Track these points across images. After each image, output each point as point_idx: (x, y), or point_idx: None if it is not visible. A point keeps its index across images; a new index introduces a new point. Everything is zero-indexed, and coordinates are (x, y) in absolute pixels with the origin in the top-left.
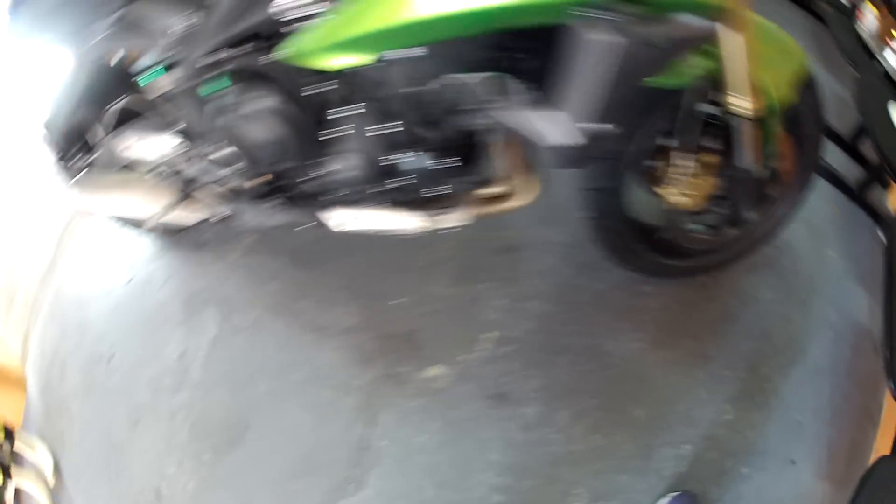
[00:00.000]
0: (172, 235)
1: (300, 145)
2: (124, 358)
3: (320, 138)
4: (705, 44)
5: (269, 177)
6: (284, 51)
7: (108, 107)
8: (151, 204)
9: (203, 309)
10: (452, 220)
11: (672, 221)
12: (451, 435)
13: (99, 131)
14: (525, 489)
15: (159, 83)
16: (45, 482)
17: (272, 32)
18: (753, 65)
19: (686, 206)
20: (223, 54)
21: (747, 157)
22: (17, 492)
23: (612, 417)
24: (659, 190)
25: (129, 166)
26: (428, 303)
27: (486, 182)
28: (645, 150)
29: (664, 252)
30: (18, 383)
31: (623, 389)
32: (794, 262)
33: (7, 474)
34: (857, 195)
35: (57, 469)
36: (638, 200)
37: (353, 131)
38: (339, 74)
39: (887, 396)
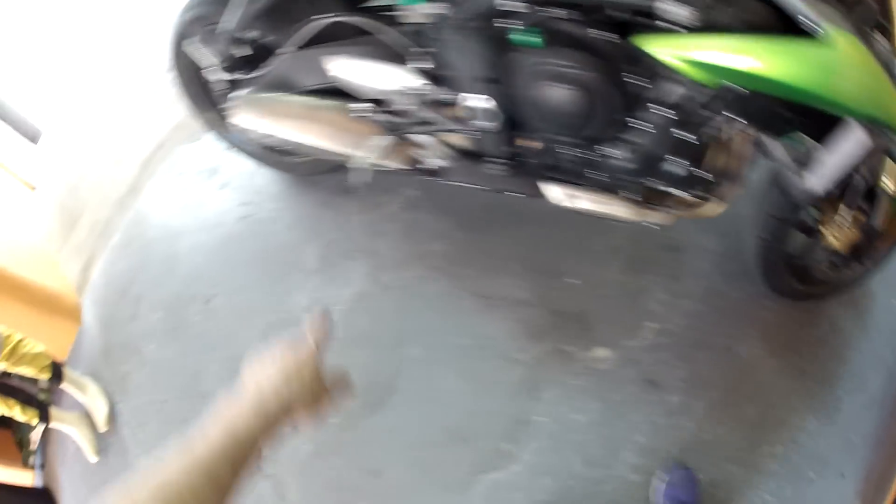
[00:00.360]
0: (311, 175)
1: (590, 123)
2: (229, 301)
3: (611, 123)
4: None
5: (538, 144)
6: (648, 40)
7: (308, 20)
8: (335, 140)
9: (344, 261)
10: (657, 217)
11: (818, 255)
12: (606, 416)
13: (284, 45)
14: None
15: (425, 8)
16: (92, 429)
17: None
18: None
19: (835, 246)
20: (551, 10)
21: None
22: (47, 433)
23: (732, 412)
24: (823, 229)
25: (309, 92)
26: (601, 286)
27: (707, 189)
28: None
29: (797, 277)
30: (71, 314)
31: (744, 389)
32: (868, 303)
33: (44, 416)
34: None
35: (112, 415)
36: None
37: (648, 129)
38: (674, 79)
39: None
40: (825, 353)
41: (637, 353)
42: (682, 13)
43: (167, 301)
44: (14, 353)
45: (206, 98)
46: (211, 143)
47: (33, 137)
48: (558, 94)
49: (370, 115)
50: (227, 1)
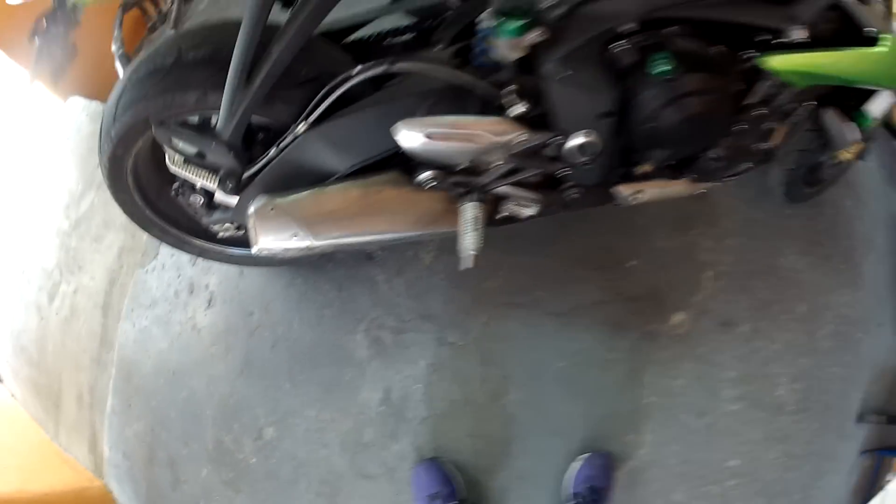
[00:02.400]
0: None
1: (703, 139)
2: (285, 426)
3: (720, 133)
4: None
5: (649, 167)
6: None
7: (346, 75)
8: (408, 224)
9: (398, 335)
10: (708, 185)
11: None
12: (699, 369)
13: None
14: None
15: (520, 42)
16: None
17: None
18: None
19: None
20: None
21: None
22: None
23: (790, 316)
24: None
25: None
26: (657, 258)
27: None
28: None
29: (809, 184)
30: None
31: (792, 293)
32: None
33: None
34: None
35: None
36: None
37: (746, 127)
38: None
39: None
40: (838, 233)
41: (705, 303)
42: (803, 34)
43: (208, 452)
44: None
45: (162, 214)
46: (171, 257)
47: None
48: (680, 119)
49: (442, 180)
50: (184, 84)
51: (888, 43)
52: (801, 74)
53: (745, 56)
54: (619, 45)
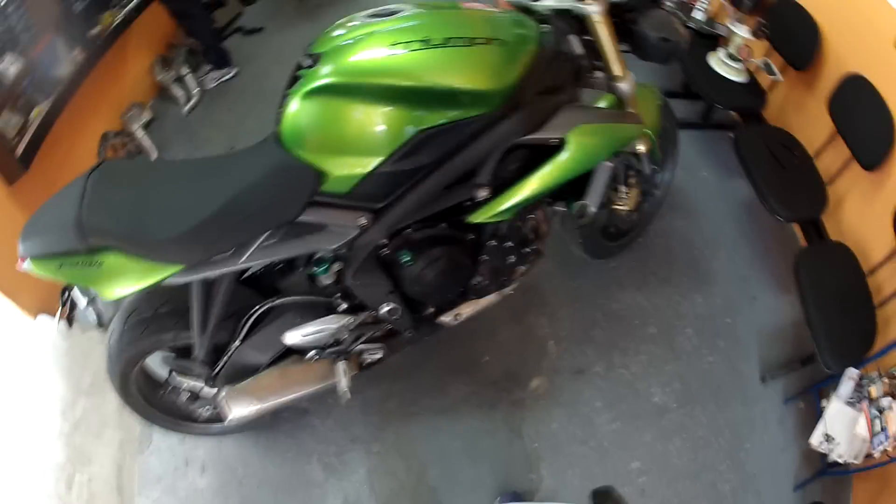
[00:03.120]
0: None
1: (462, 277)
2: None
3: (473, 267)
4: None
5: (432, 309)
6: (480, 215)
7: (250, 313)
8: (311, 385)
9: (340, 456)
10: (512, 287)
11: (618, 220)
12: (568, 411)
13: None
14: (627, 409)
15: (332, 270)
16: None
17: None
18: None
19: (627, 209)
20: (411, 231)
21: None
22: None
23: (650, 341)
24: (615, 207)
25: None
26: (504, 347)
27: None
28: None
29: (610, 238)
30: None
31: (645, 321)
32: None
33: None
34: (705, 123)
35: None
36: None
37: (494, 253)
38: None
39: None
40: (674, 255)
41: (554, 364)
42: (483, 193)
43: None
44: None
45: (161, 409)
46: (164, 441)
47: None
48: (432, 279)
49: (320, 354)
50: (162, 329)
51: (572, 146)
52: (504, 212)
53: (460, 221)
54: (382, 251)
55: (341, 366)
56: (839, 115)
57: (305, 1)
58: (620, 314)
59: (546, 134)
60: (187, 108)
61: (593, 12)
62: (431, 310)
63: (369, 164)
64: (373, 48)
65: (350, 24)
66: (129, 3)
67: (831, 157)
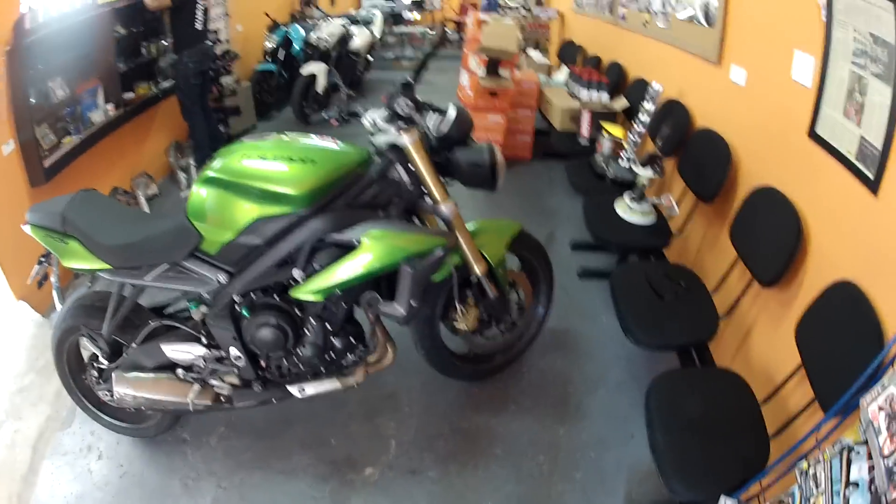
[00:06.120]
0: (157, 435)
1: (288, 343)
2: None
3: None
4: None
5: (263, 363)
6: (298, 291)
7: (143, 328)
8: (173, 395)
9: (196, 483)
10: (355, 379)
11: (468, 342)
12: (397, 502)
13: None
14: None
15: (199, 309)
16: None
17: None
18: (475, 252)
19: (467, 327)
20: (253, 295)
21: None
22: None
23: (500, 477)
24: (456, 325)
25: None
26: (350, 437)
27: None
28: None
29: (466, 361)
30: None
31: (481, 444)
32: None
33: None
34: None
35: None
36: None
37: (320, 333)
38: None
39: None
40: (546, 389)
41: (392, 461)
42: (298, 274)
43: None
44: None
45: (80, 384)
46: (80, 428)
47: None
48: (260, 336)
49: (186, 376)
50: (91, 316)
51: (363, 246)
52: (316, 292)
53: (288, 296)
54: (235, 305)
55: (196, 387)
56: (740, 235)
57: (308, 125)
58: (469, 432)
59: (345, 235)
60: (184, 194)
61: (405, 143)
62: (275, 371)
63: (226, 235)
64: (234, 158)
65: (243, 141)
66: (162, 83)
67: (734, 282)
